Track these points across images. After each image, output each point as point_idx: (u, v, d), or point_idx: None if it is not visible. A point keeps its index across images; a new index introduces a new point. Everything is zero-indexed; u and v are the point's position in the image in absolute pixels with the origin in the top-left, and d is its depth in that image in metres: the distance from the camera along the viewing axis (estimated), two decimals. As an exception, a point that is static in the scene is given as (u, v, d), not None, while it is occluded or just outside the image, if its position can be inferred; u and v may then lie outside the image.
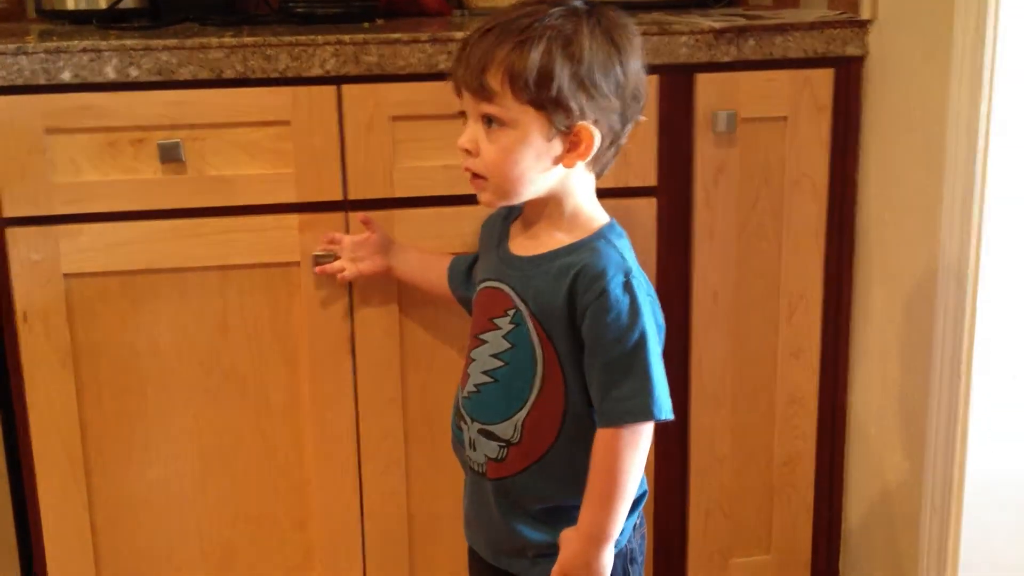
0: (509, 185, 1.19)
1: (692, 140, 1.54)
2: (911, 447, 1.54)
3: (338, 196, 1.46)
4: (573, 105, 1.15)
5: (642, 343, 1.17)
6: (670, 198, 1.56)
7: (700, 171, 1.55)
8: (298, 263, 1.47)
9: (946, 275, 1.42)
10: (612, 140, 1.21)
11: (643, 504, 1.30)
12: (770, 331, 1.64)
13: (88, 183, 1.41)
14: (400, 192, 1.48)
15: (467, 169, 1.21)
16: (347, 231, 1.47)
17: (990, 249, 1.36)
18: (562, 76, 1.14)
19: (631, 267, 1.20)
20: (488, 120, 1.17)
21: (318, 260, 1.46)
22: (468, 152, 1.19)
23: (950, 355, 1.42)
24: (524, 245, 1.26)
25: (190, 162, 1.42)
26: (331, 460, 1.55)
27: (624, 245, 1.24)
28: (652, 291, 1.22)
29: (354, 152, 1.45)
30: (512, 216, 1.32)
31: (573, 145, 1.18)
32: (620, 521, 1.20)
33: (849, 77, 1.57)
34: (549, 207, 1.23)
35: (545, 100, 1.14)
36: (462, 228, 1.47)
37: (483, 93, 1.15)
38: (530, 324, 1.22)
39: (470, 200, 1.46)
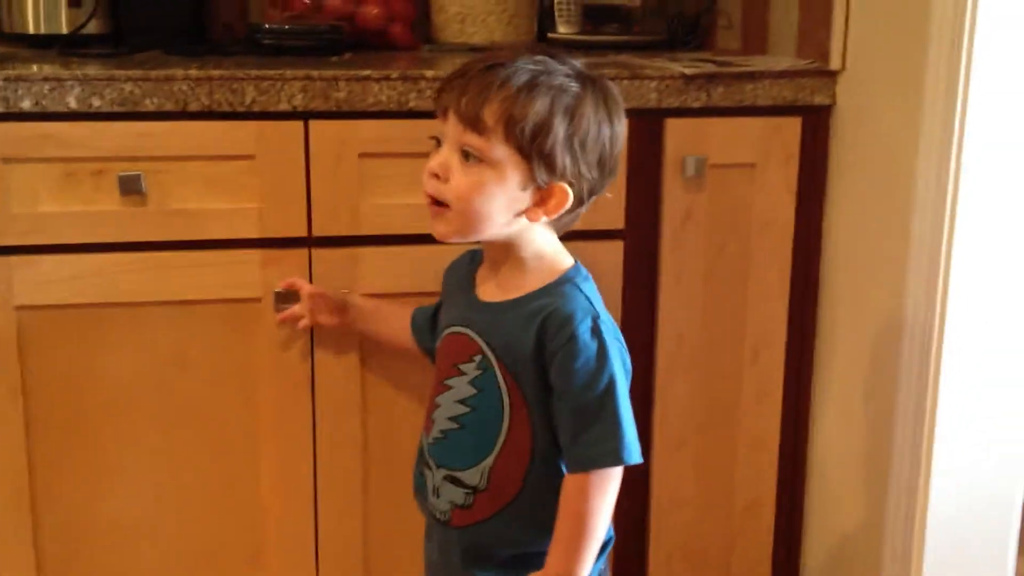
0: (472, 220, 1.17)
1: (660, 184, 1.54)
2: (873, 493, 1.54)
3: (303, 232, 1.44)
4: (558, 163, 1.15)
5: (611, 388, 1.17)
6: (637, 242, 1.56)
7: (668, 215, 1.55)
8: (259, 299, 1.45)
9: (912, 323, 1.42)
10: (576, 206, 1.20)
11: (609, 549, 1.29)
12: (734, 375, 1.64)
13: (45, 214, 1.37)
14: (366, 230, 1.46)
15: (429, 195, 1.18)
16: (310, 268, 1.45)
17: (957, 298, 1.37)
18: (558, 133, 1.14)
19: (599, 311, 1.20)
20: (467, 153, 1.15)
21: (279, 297, 1.43)
22: (435, 176, 1.17)
23: (914, 402, 1.42)
24: (491, 291, 1.25)
25: (152, 195, 1.39)
26: (288, 499, 1.52)
27: (590, 288, 1.23)
28: (619, 334, 1.22)
29: (320, 188, 1.43)
30: (476, 262, 1.31)
31: (542, 200, 1.18)
32: (587, 566, 1.19)
33: (817, 125, 1.58)
34: (511, 253, 1.22)
35: (534, 151, 1.14)
36: (428, 267, 1.44)
37: (475, 125, 1.13)
38: (497, 370, 1.20)
39: (436, 240, 1.46)
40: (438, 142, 1.18)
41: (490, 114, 1.13)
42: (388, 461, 1.53)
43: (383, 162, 1.44)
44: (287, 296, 1.43)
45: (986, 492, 1.45)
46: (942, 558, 1.44)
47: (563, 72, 1.16)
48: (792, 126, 1.56)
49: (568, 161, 1.15)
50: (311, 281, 1.45)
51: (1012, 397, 1.43)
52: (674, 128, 1.52)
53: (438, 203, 1.18)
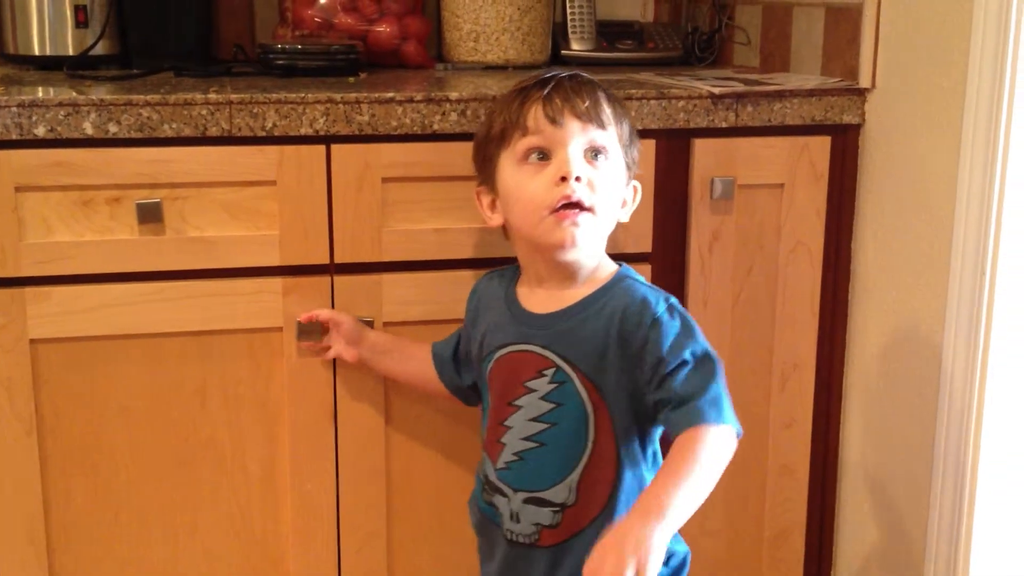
0: (609, 218, 1.21)
1: (688, 206, 1.51)
2: (909, 523, 1.50)
3: (324, 260, 1.40)
4: (638, 160, 1.27)
5: (708, 357, 1.16)
6: (664, 265, 1.52)
7: (695, 238, 1.52)
8: (281, 329, 1.40)
9: (952, 351, 1.38)
10: None
11: (686, 571, 1.26)
12: (762, 401, 1.60)
13: (59, 243, 1.32)
14: (388, 256, 1.41)
15: (573, 202, 1.16)
16: (332, 296, 1.40)
17: (1002, 324, 1.33)
18: (634, 133, 1.25)
19: (666, 294, 1.22)
20: (595, 152, 1.18)
21: (302, 328, 1.39)
22: (578, 179, 1.16)
23: (956, 434, 1.39)
24: (542, 303, 1.24)
25: (169, 222, 1.34)
26: (309, 533, 1.47)
27: (644, 281, 1.26)
28: None
29: (342, 214, 1.39)
30: (506, 281, 1.29)
31: (624, 200, 1.25)
32: (682, 506, 1.08)
33: (846, 145, 1.55)
34: (576, 261, 1.22)
35: (631, 148, 1.24)
36: (453, 294, 1.41)
37: (600, 121, 1.18)
38: (575, 379, 1.19)
39: (461, 265, 1.43)
40: (541, 154, 1.18)
41: (608, 111, 1.20)
42: (412, 489, 1.49)
43: (406, 186, 1.40)
44: (309, 328, 1.39)
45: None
46: (985, 588, 1.41)
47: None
48: (821, 145, 1.53)
49: (638, 158, 1.26)
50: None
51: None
52: (702, 148, 1.49)
53: (577, 207, 1.17)
